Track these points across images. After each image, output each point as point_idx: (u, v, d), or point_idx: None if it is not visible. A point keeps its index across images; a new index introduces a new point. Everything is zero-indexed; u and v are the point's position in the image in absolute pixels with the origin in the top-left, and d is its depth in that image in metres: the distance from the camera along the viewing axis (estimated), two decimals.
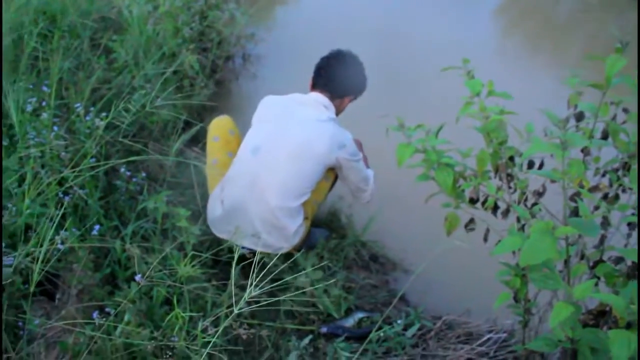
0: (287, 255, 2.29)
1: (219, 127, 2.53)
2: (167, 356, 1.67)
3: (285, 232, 2.24)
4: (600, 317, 1.50)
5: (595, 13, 5.82)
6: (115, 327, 1.66)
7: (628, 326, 1.29)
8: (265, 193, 2.20)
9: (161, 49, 3.39)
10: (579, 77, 1.69)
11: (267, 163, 2.20)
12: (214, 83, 3.70)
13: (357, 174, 2.33)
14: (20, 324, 1.67)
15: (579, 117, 1.74)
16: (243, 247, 2.23)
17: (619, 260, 1.62)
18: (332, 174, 2.36)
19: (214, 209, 2.34)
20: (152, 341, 1.67)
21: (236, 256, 1.74)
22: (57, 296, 1.84)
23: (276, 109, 2.32)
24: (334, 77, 2.29)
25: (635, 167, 1.59)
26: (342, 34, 4.57)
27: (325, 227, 2.61)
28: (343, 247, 2.48)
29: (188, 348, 1.67)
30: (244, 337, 1.66)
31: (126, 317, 1.67)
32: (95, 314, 1.69)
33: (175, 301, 1.73)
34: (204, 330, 1.67)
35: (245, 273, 2.20)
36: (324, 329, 2.11)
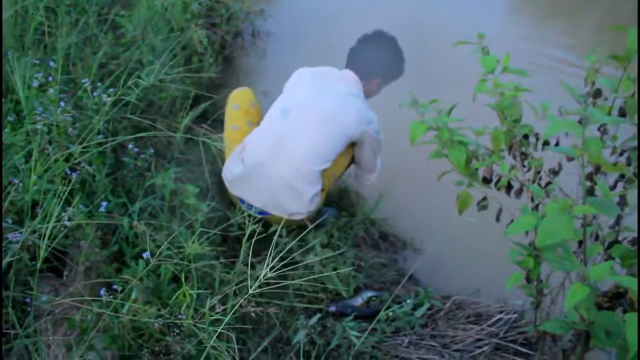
0: (297, 232, 2.27)
1: (240, 96, 2.56)
2: (175, 334, 1.66)
3: (303, 196, 2.25)
4: (616, 299, 1.47)
5: None
6: (123, 305, 1.65)
7: None
8: (292, 154, 2.22)
9: (169, 24, 3.34)
10: (597, 53, 1.64)
11: (297, 125, 2.23)
12: (222, 59, 3.65)
13: (373, 154, 2.36)
14: (27, 300, 1.66)
15: (597, 94, 1.70)
16: (258, 212, 2.23)
17: (636, 241, 1.58)
18: (351, 150, 2.36)
19: (233, 167, 2.35)
20: (160, 319, 1.66)
21: (247, 232, 1.73)
22: (65, 273, 1.83)
23: (309, 78, 2.35)
24: (365, 57, 2.32)
25: None
26: (352, 10, 4.51)
27: (335, 206, 2.59)
28: (352, 225, 2.46)
29: (196, 326, 1.65)
30: (253, 315, 1.65)
31: (133, 295, 1.65)
32: (102, 291, 1.68)
33: (183, 279, 1.72)
34: (212, 309, 1.66)
35: (253, 250, 2.19)
36: (332, 308, 2.10)
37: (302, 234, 2.02)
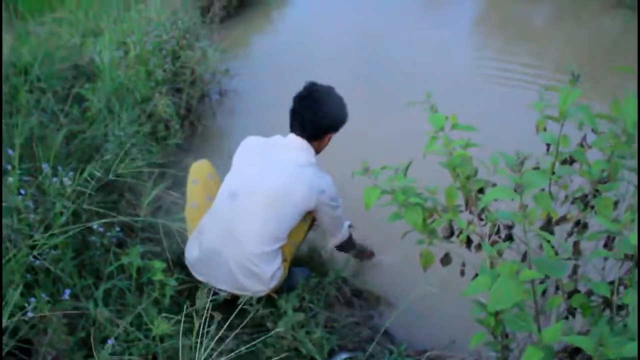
0: (268, 300, 2.26)
1: (198, 170, 2.54)
2: None
3: (262, 277, 2.22)
4: (575, 354, 1.48)
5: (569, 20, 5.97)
6: None
7: None
8: (241, 239, 2.19)
9: (134, 94, 3.38)
10: (545, 101, 1.68)
11: (244, 210, 2.20)
12: (189, 123, 3.68)
13: (333, 220, 2.34)
14: None
15: (548, 144, 1.74)
16: (221, 290, 2.23)
17: (592, 292, 1.60)
18: (310, 215, 2.35)
19: (192, 251, 2.33)
20: None
21: (202, 301, 1.71)
22: None
23: (256, 153, 2.29)
24: (308, 120, 2.23)
25: (601, 195, 1.59)
26: (316, 63, 4.61)
27: (306, 266, 2.58)
28: (324, 285, 2.45)
29: None
30: None
31: None
32: None
33: None
34: None
35: (224, 319, 2.17)
36: None
37: (272, 303, 2.00)
